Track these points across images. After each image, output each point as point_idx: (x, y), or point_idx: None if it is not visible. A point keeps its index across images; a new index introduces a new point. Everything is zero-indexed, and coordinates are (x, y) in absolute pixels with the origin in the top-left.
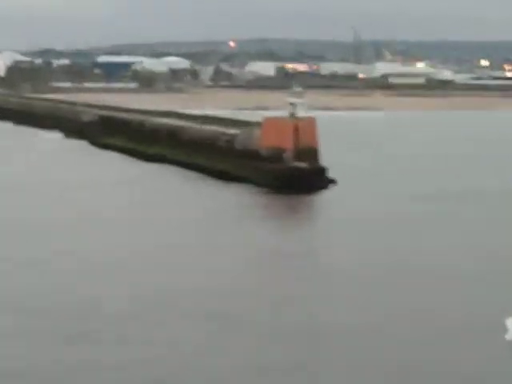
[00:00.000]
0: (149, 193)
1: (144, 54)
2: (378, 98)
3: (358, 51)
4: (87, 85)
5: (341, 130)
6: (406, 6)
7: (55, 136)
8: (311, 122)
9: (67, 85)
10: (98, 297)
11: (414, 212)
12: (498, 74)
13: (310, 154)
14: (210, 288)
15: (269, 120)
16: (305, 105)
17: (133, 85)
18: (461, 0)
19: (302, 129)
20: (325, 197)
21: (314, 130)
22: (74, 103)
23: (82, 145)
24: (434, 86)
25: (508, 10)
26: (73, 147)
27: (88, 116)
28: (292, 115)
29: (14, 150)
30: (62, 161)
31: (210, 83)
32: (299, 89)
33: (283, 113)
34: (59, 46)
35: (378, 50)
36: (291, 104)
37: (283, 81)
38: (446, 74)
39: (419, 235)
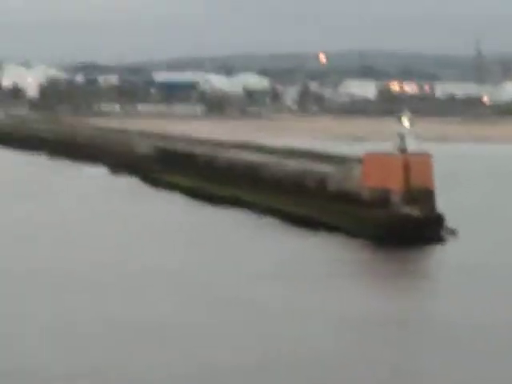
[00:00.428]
0: (217, 244)
1: (212, 71)
2: (509, 127)
3: (482, 68)
4: (141, 108)
5: (462, 168)
6: None
7: (100, 172)
8: (425, 157)
9: (115, 108)
10: None
11: None
12: None
13: (424, 197)
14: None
15: (371, 155)
16: (416, 136)
17: (199, 109)
18: None
19: (413, 166)
20: (442, 253)
21: (429, 167)
22: (124, 131)
23: (133, 183)
24: None
25: None
26: (121, 187)
27: (142, 147)
28: (401, 149)
29: (47, 192)
30: (106, 207)
31: (294, 107)
32: (409, 115)
33: (388, 146)
34: (105, 60)
35: (505, 67)
36: (399, 135)
37: (387, 105)
38: None
39: None
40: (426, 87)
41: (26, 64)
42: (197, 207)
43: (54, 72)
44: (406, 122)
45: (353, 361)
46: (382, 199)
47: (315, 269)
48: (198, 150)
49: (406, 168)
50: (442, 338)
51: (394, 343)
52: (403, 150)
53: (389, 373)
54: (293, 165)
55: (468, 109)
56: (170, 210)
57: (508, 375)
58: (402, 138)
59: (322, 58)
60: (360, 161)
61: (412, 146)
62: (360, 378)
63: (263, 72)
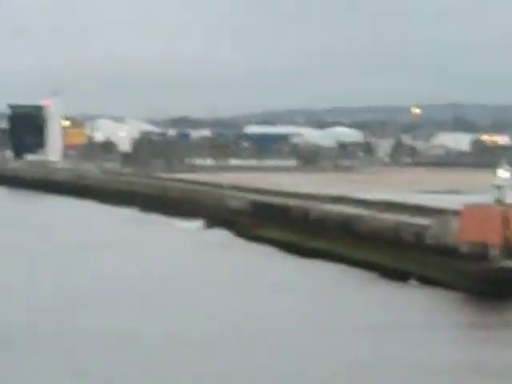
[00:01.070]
0: (314, 300)
1: (303, 124)
2: None
3: None
4: (233, 162)
5: None
6: None
7: (192, 226)
8: None
9: (208, 162)
10: None
11: None
12: None
13: None
14: None
15: (470, 208)
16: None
17: (291, 162)
18: None
19: None
20: None
21: None
22: (217, 185)
23: (226, 237)
24: None
25: None
26: (214, 240)
27: (236, 201)
28: (499, 201)
29: (140, 245)
30: (200, 262)
31: (388, 160)
32: (507, 167)
33: (486, 198)
34: (197, 114)
35: None
36: (498, 187)
37: (481, 157)
38: None
39: None
40: None
41: (119, 119)
42: (294, 261)
43: (147, 127)
44: (503, 174)
45: None
46: (482, 253)
47: (416, 319)
48: (292, 202)
49: (505, 220)
50: None
51: None
52: (501, 202)
53: None
54: (388, 218)
55: None
56: (267, 262)
57: None
58: (500, 189)
59: (415, 110)
60: (457, 213)
61: (510, 198)
62: None
63: (355, 125)
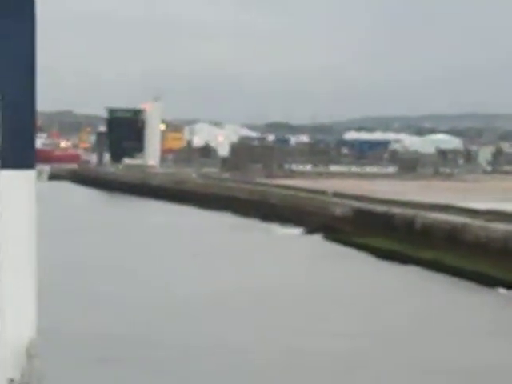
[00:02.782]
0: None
1: (400, 130)
2: None
3: None
4: (333, 168)
5: None
6: None
7: (293, 232)
8: None
9: (307, 168)
10: None
11: None
12: None
13: None
14: None
15: None
16: None
17: (391, 169)
18: None
19: None
20: None
21: None
22: (317, 191)
23: (329, 244)
24: None
25: None
26: (317, 248)
27: (337, 208)
28: None
29: (245, 252)
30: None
31: (487, 168)
32: None
33: None
34: (295, 120)
35: None
36: None
37: None
38: None
39: None
40: None
41: (218, 124)
42: (406, 273)
43: (246, 132)
44: None
45: None
46: None
47: None
48: (395, 210)
49: None
50: None
51: None
52: None
53: None
54: (498, 227)
55: None
56: (371, 272)
57: None
58: None
59: None
60: None
61: None
62: None
63: (453, 132)
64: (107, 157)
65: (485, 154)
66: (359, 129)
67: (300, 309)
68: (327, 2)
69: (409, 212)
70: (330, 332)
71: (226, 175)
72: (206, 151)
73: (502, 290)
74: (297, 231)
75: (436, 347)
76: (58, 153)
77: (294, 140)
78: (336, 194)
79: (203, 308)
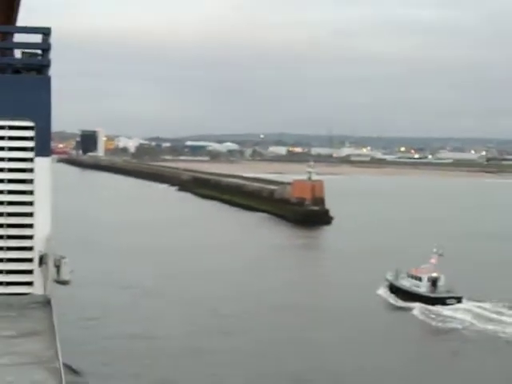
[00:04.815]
0: (225, 223)
1: (212, 140)
2: (345, 168)
3: (331, 141)
4: (181, 158)
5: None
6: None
7: (163, 186)
8: (321, 182)
9: (169, 157)
10: None
11: (369, 227)
12: (410, 155)
13: (320, 202)
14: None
15: (296, 181)
16: (314, 173)
17: (206, 158)
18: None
19: (315, 187)
20: (330, 226)
21: (323, 187)
22: (176, 169)
23: (179, 191)
24: (374, 161)
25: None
26: (173, 192)
27: (185, 176)
28: (309, 178)
29: (142, 193)
30: (168, 201)
31: (250, 158)
32: (312, 164)
33: (303, 177)
34: (164, 135)
35: (342, 141)
36: (308, 172)
37: (290, 157)
38: (380, 155)
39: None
40: (306, 150)
41: (129, 137)
42: (212, 202)
43: (141, 141)
44: (310, 168)
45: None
46: (301, 203)
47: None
48: (210, 177)
49: (312, 188)
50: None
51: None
52: (310, 179)
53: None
54: (256, 185)
55: (327, 159)
56: (200, 202)
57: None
58: (309, 173)
59: (262, 135)
60: (290, 184)
61: (314, 177)
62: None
63: (236, 141)
64: (81, 152)
65: (248, 152)
66: (193, 140)
67: (167, 224)
68: None
69: (216, 177)
70: (182, 233)
71: (134, 161)
72: (125, 150)
73: (259, 213)
74: (166, 186)
75: (236, 233)
76: (57, 150)
77: (163, 145)
78: (185, 170)
79: (114, 227)
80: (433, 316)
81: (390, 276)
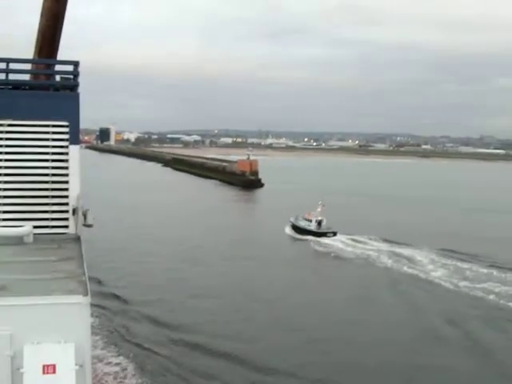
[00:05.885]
0: (193, 185)
1: (184, 134)
2: (269, 151)
3: (260, 134)
4: (164, 145)
5: (263, 165)
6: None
7: (152, 163)
8: (256, 161)
9: (156, 145)
10: None
11: (285, 189)
12: (310, 143)
13: (255, 173)
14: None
15: (240, 160)
16: (251, 155)
17: (180, 146)
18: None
19: (252, 163)
20: (262, 189)
21: (257, 164)
22: (161, 152)
23: (164, 167)
24: (287, 148)
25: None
26: (159, 167)
27: (168, 157)
28: (248, 158)
29: (139, 167)
30: (156, 172)
31: (208, 146)
32: (250, 149)
33: (244, 157)
34: (153, 130)
35: (267, 134)
36: (247, 154)
37: (235, 145)
38: (291, 143)
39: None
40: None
41: (130, 131)
42: (185, 175)
43: (139, 134)
44: (249, 152)
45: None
46: (243, 174)
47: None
48: (185, 158)
49: (250, 164)
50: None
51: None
52: (249, 159)
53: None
54: (215, 163)
55: (257, 146)
56: (179, 175)
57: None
58: (248, 155)
59: (216, 130)
60: (236, 162)
61: (252, 157)
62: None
63: (199, 134)
64: (99, 142)
65: (207, 141)
66: (171, 133)
67: (154, 187)
68: None
69: (187, 158)
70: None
71: (134, 147)
72: (128, 140)
73: (215, 181)
74: (154, 163)
75: (199, 192)
76: (84, 140)
77: (153, 137)
78: (167, 153)
79: (118, 186)
80: (318, 243)
81: (292, 219)
